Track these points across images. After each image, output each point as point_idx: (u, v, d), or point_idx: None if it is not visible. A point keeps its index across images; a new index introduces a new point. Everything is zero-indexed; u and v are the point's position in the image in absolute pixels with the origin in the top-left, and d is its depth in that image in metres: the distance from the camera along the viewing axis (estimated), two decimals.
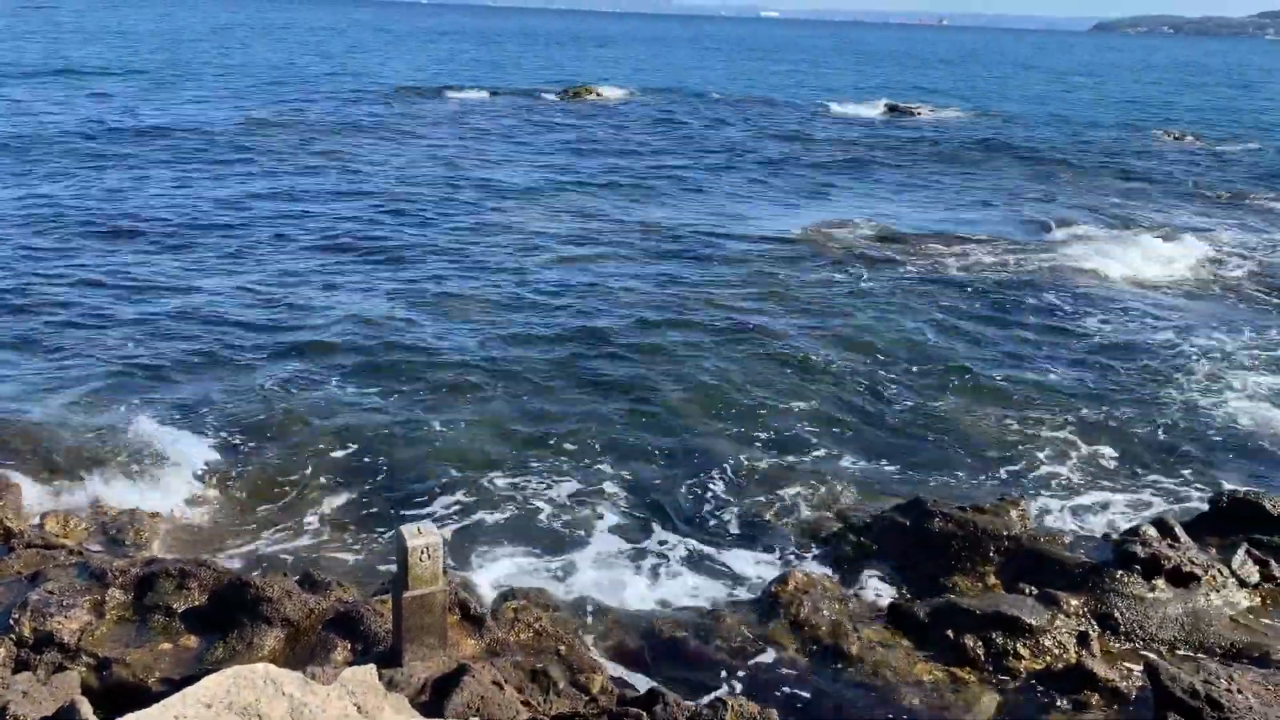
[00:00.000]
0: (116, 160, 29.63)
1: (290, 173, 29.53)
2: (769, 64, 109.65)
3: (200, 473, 11.33)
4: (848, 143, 43.75)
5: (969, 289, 20.23)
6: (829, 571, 9.82)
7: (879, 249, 23.39)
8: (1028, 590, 8.86)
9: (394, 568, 7.83)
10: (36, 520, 9.83)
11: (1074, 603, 8.59)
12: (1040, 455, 12.85)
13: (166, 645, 7.68)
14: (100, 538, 9.82)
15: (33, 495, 10.38)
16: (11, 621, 7.63)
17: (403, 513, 10.72)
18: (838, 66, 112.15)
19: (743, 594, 9.53)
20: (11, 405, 12.66)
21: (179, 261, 19.61)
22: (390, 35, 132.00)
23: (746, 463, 12.30)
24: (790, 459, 12.48)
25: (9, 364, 14.08)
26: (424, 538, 6.93)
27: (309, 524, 10.53)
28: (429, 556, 6.93)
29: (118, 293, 17.52)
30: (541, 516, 10.89)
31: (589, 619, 8.93)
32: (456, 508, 11.01)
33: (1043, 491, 11.89)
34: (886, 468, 12.42)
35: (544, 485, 11.54)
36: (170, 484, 10.95)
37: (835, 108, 58.86)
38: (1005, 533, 9.57)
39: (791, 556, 10.28)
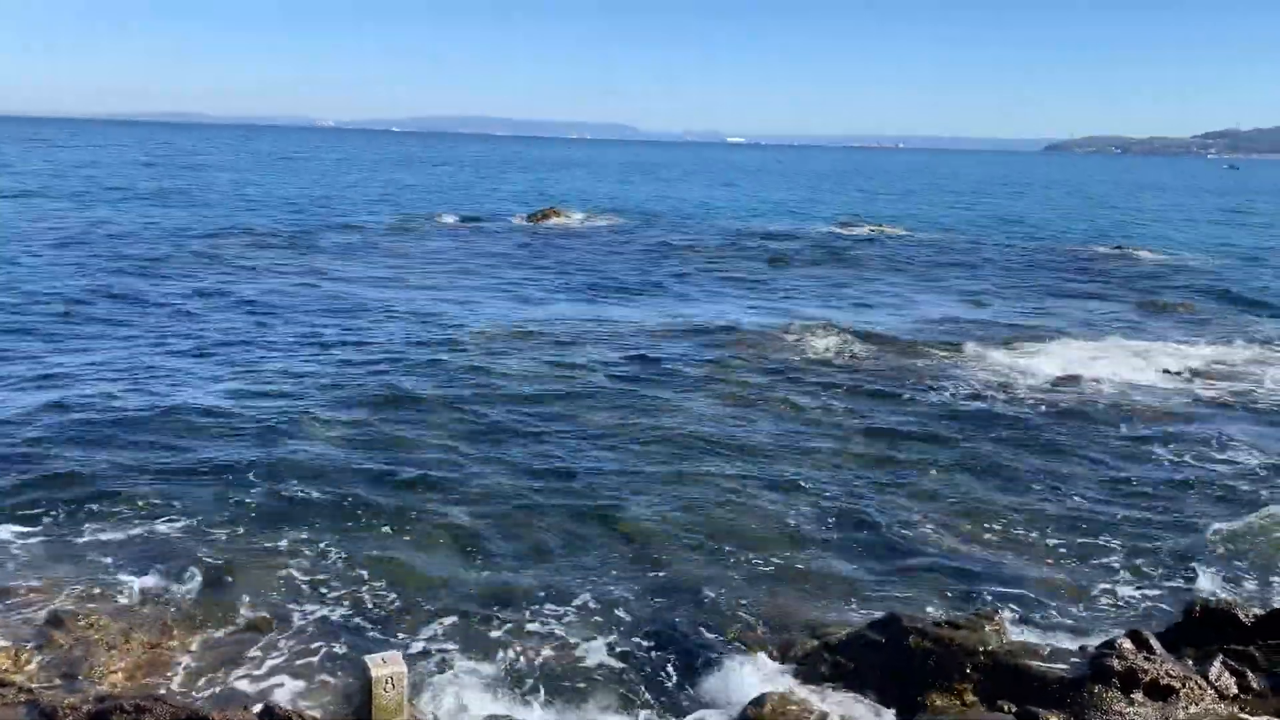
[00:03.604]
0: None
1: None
2: (716, 188, 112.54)
3: (155, 600, 11.02)
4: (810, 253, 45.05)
5: (927, 395, 20.48)
6: (806, 692, 9.61)
7: (835, 353, 23.85)
8: (1007, 708, 8.70)
9: (359, 697, 7.60)
10: None
11: (1053, 719, 8.44)
12: (1011, 566, 12.82)
13: None
14: (53, 672, 9.46)
15: None
16: None
17: (368, 638, 10.44)
18: (799, 187, 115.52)
19: (718, 717, 9.29)
20: None
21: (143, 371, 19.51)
22: (368, 163, 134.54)
23: (719, 581, 12.16)
24: (762, 576, 12.35)
25: None
26: (388, 667, 6.78)
27: (270, 654, 10.21)
28: (393, 687, 6.76)
29: (77, 408, 17.33)
30: (509, 645, 10.61)
31: None
32: (422, 637, 10.72)
33: (1014, 603, 11.80)
34: (860, 582, 12.31)
35: (512, 613, 11.30)
36: (128, 612, 10.62)
37: (804, 226, 60.56)
38: (981, 648, 9.44)
39: (767, 676, 10.06)
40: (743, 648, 10.68)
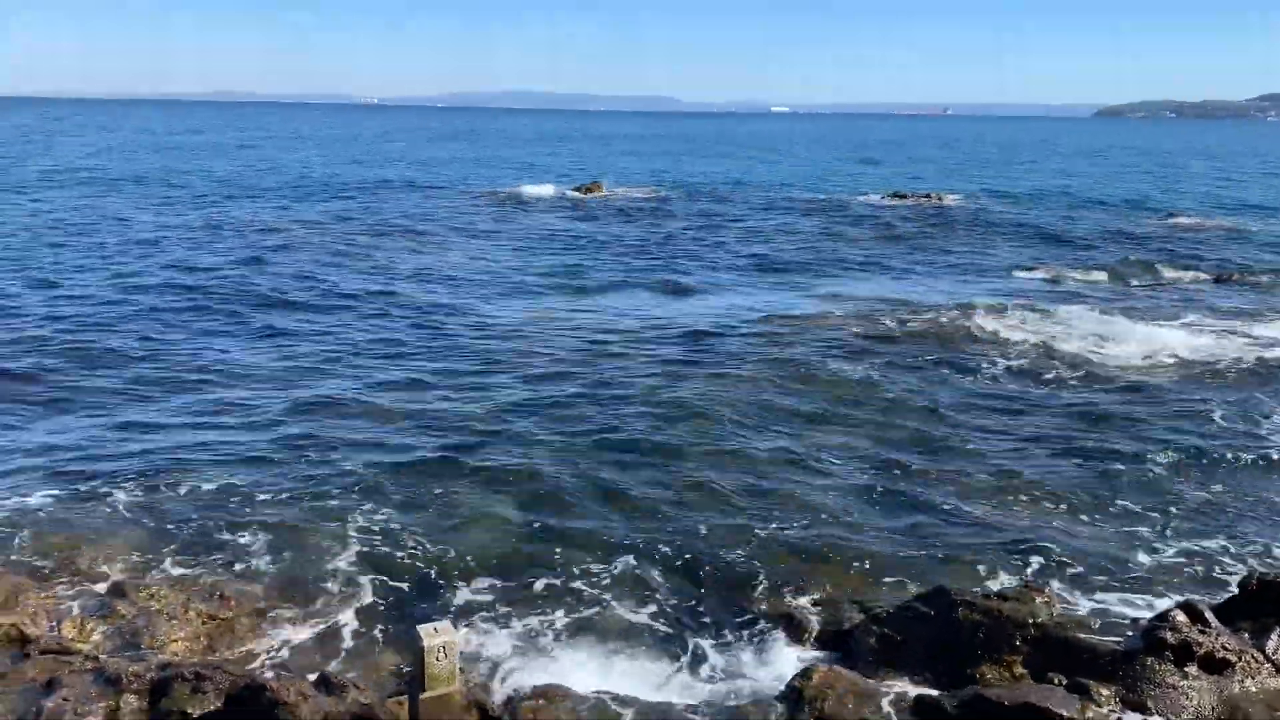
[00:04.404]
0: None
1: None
2: (760, 160, 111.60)
3: (216, 570, 11.30)
4: (860, 228, 44.48)
5: (979, 371, 20.25)
6: (853, 665, 9.63)
7: (884, 327, 23.61)
8: (1057, 680, 8.66)
9: (411, 668, 7.73)
10: (53, 625, 9.77)
11: (1105, 692, 8.39)
12: (1061, 538, 12.68)
13: None
14: (116, 641, 9.74)
15: (49, 599, 10.32)
16: None
17: (420, 610, 10.63)
18: (845, 156, 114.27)
19: (765, 689, 9.34)
20: (30, 505, 12.72)
21: (221, 349, 19.90)
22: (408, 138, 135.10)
23: (763, 551, 12.18)
24: (809, 549, 12.33)
25: (34, 468, 14.17)
26: (440, 636, 6.89)
27: (325, 622, 10.44)
28: (445, 655, 6.87)
29: (133, 382, 17.72)
30: (558, 612, 10.77)
31: (607, 718, 8.75)
32: (473, 605, 10.90)
33: (1066, 576, 11.69)
34: (906, 555, 12.26)
35: (561, 581, 11.43)
36: (187, 584, 10.89)
37: (850, 198, 59.83)
38: (1031, 620, 9.39)
39: (814, 649, 10.11)
40: (788, 619, 10.70)
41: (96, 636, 9.76)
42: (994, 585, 11.18)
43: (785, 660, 9.89)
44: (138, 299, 25.83)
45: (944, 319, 24.90)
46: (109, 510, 12.79)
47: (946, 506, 13.64)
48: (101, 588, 10.71)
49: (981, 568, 11.89)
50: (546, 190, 60.22)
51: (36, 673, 8.50)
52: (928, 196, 60.15)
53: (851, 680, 9.08)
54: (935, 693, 8.86)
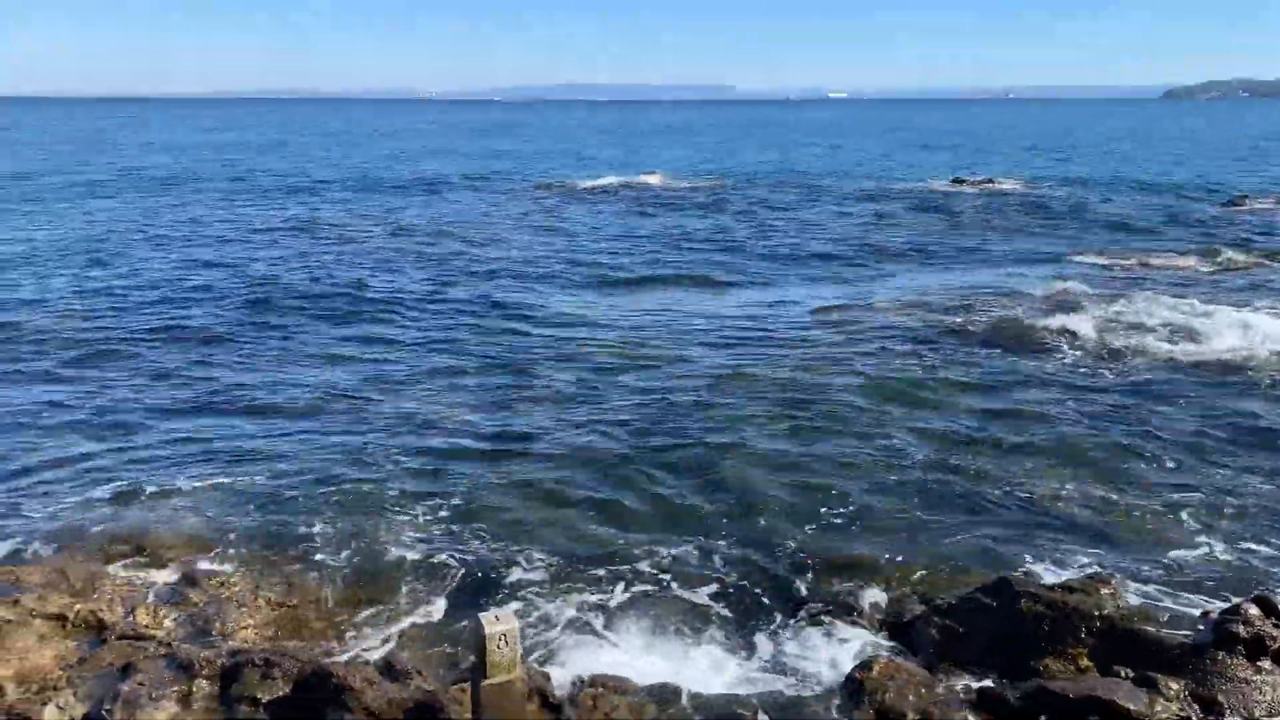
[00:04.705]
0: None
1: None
2: (812, 147, 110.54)
3: (284, 559, 11.55)
4: (920, 216, 43.90)
5: (1045, 359, 19.89)
6: (914, 656, 9.56)
7: (945, 315, 23.29)
8: (1124, 673, 8.51)
9: (473, 655, 7.84)
10: (128, 612, 10.07)
11: (1174, 686, 8.23)
12: (1128, 529, 12.43)
13: None
14: (188, 627, 10.02)
15: (124, 586, 10.65)
16: (104, 713, 7.81)
17: (481, 598, 10.76)
18: (904, 143, 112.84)
19: (824, 679, 9.31)
20: (103, 495, 13.11)
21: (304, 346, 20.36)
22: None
23: (824, 544, 12.12)
24: (869, 539, 12.25)
25: (108, 456, 14.60)
26: (501, 624, 6.97)
27: (389, 610, 10.62)
28: (507, 643, 6.95)
29: (214, 381, 18.18)
30: (617, 600, 10.83)
31: (666, 705, 8.79)
32: (532, 592, 11.01)
33: (1132, 566, 11.47)
34: (967, 546, 12.11)
35: (619, 568, 11.49)
36: (256, 572, 11.16)
37: (910, 185, 59.12)
38: (1097, 613, 9.23)
39: (873, 640, 10.04)
40: (847, 606, 10.64)
41: (169, 623, 10.04)
42: (1056, 576, 11.00)
43: (844, 650, 9.84)
44: (216, 291, 26.52)
45: (1007, 306, 24.51)
46: (180, 499, 13.13)
47: (1008, 498, 13.44)
48: (173, 575, 11.02)
49: (1045, 559, 11.71)
50: (605, 180, 60.38)
51: (113, 658, 8.78)
52: (989, 181, 59.20)
53: (912, 671, 9.02)
54: (999, 684, 8.76)
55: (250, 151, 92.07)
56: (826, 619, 10.45)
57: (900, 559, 11.67)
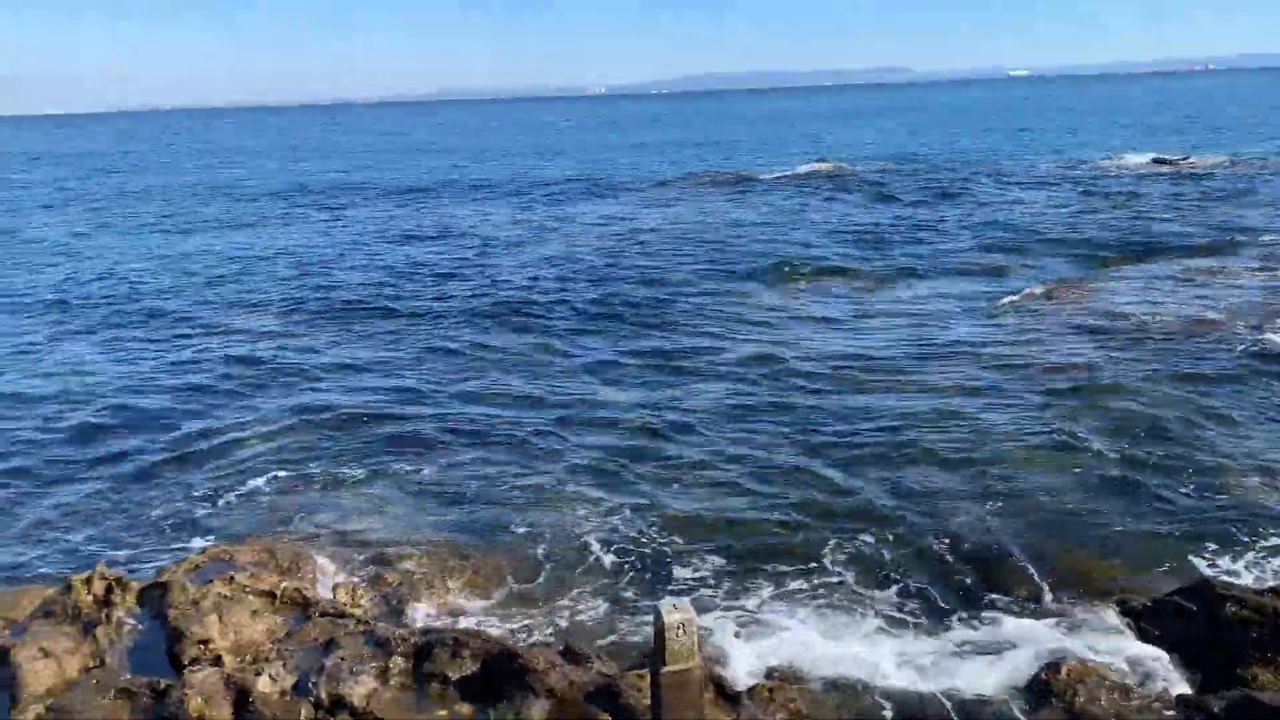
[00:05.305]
0: None
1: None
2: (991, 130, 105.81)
3: (470, 543, 12.07)
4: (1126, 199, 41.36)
5: (1236, 357, 18.51)
6: (1106, 658, 9.14)
7: (1133, 307, 22.05)
8: None
9: (648, 643, 8.00)
10: (329, 591, 10.75)
11: None
12: None
13: (442, 713, 8.19)
14: (383, 606, 10.61)
15: (327, 567, 11.37)
16: (310, 685, 8.37)
17: (658, 587, 10.95)
18: (1093, 122, 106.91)
19: (1007, 678, 9.02)
20: (303, 481, 14.03)
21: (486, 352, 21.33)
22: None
23: (1005, 535, 11.73)
24: (1053, 538, 11.75)
25: (303, 448, 15.59)
26: (680, 614, 7.07)
27: (569, 596, 10.95)
28: (685, 633, 7.05)
29: (407, 378, 19.14)
30: (793, 594, 10.80)
31: (845, 699, 8.73)
32: (709, 584, 11.11)
33: None
34: (1159, 541, 11.47)
35: (794, 563, 11.45)
36: (443, 557, 11.70)
37: (1104, 164, 56.06)
38: None
39: (1060, 638, 9.64)
40: (1032, 607, 10.29)
41: (365, 602, 10.67)
42: (1248, 578, 10.33)
43: (1027, 650, 9.50)
44: (391, 286, 27.88)
45: (1200, 295, 22.96)
46: (375, 485, 13.95)
47: (1197, 497, 12.64)
48: (368, 556, 11.69)
49: (1240, 561, 11.00)
50: (782, 171, 59.82)
51: (317, 633, 9.38)
52: (1186, 159, 55.51)
53: (1104, 674, 8.65)
54: (1200, 692, 8.29)
55: (482, 157, 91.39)
56: (1008, 618, 10.12)
57: (1086, 559, 11.18)
